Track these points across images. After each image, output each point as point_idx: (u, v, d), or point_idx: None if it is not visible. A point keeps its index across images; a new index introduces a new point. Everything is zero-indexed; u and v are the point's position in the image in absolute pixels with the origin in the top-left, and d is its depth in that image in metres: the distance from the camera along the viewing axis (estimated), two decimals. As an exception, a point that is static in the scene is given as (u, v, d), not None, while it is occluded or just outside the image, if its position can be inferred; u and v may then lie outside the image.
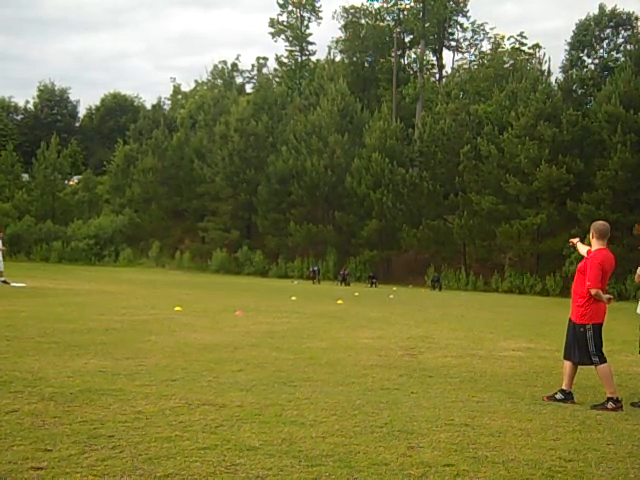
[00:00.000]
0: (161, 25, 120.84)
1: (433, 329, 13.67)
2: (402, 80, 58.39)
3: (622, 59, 47.02)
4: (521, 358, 9.72)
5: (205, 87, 70.38)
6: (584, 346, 6.55)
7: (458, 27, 61.87)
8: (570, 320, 6.81)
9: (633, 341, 12.02)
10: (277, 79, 65.12)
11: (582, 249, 7.07)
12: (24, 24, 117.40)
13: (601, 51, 50.58)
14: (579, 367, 6.94)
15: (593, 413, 6.22)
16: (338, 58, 62.39)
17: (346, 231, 44.88)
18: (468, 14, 60.61)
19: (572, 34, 50.87)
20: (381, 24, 62.07)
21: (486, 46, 64.25)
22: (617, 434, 5.41)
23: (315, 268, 39.83)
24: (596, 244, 6.64)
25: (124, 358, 7.82)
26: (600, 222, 6.85)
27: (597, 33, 49.86)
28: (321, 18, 64.58)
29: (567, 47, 50.96)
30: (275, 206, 46.39)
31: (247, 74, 72.22)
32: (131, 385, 6.27)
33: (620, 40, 50.31)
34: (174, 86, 77.80)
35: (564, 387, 6.82)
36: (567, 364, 6.83)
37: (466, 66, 63.59)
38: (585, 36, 49.89)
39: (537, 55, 56.36)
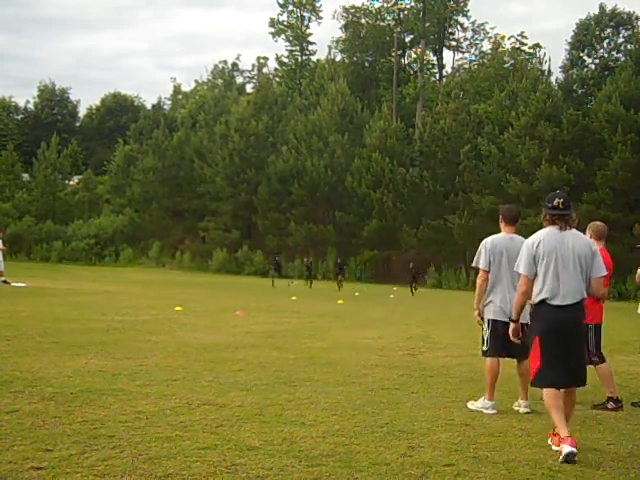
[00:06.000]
0: (163, 24, 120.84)
1: (433, 329, 13.67)
2: (402, 80, 58.40)
3: (622, 59, 47.01)
4: (521, 358, 9.71)
5: (205, 87, 70.39)
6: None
7: (458, 27, 61.91)
8: None
9: (633, 341, 12.05)
10: (277, 79, 65.11)
11: None
12: (25, 24, 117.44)
13: (601, 51, 50.52)
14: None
15: (593, 413, 6.22)
16: (338, 58, 62.42)
17: (346, 231, 44.89)
18: (468, 14, 60.67)
19: (572, 34, 50.84)
20: (381, 24, 62.06)
21: (486, 46, 64.29)
22: (617, 434, 5.41)
23: (277, 258, 35.47)
24: (595, 245, 6.66)
25: (124, 358, 7.82)
26: (597, 223, 6.82)
27: (597, 33, 49.78)
28: (321, 18, 64.67)
29: (567, 47, 50.96)
30: (275, 206, 46.39)
31: (247, 74, 72.34)
32: (131, 385, 6.27)
33: (620, 40, 50.26)
34: (174, 86, 77.94)
35: (564, 387, 6.84)
36: None
37: (466, 66, 63.62)
38: (585, 36, 49.83)
39: (537, 55, 56.41)
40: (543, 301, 4.82)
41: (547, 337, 4.79)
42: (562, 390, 4.85)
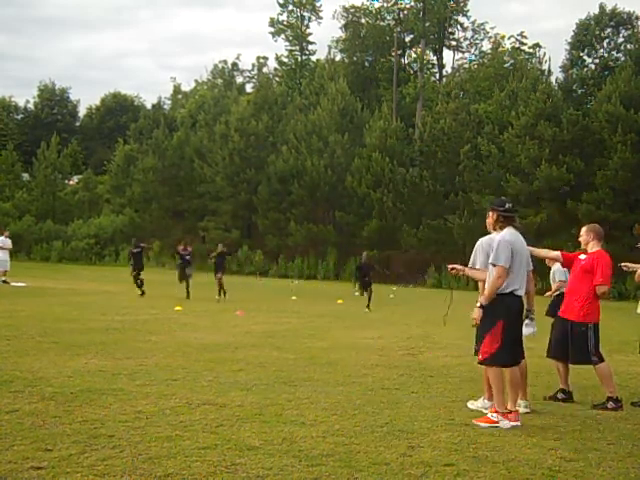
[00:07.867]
0: (163, 24, 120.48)
1: (433, 329, 13.67)
2: (402, 80, 58.34)
3: (622, 59, 46.96)
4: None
5: (205, 87, 70.34)
6: (583, 345, 6.53)
7: (458, 27, 61.82)
8: (562, 319, 6.80)
9: (633, 341, 12.03)
10: (277, 79, 65.05)
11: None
12: (25, 24, 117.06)
13: (601, 51, 50.45)
14: (580, 367, 6.94)
15: (593, 413, 6.23)
16: (338, 58, 62.26)
17: (346, 231, 44.85)
18: (468, 14, 60.62)
19: (572, 33, 50.80)
20: (381, 24, 61.97)
21: (486, 46, 64.20)
22: (617, 434, 5.41)
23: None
24: (596, 245, 6.76)
25: (124, 358, 7.82)
26: (596, 225, 7.02)
27: (597, 32, 49.73)
28: (321, 18, 64.44)
29: (567, 47, 50.90)
30: (275, 206, 46.34)
31: (247, 74, 72.27)
32: (131, 385, 6.28)
33: (620, 39, 50.21)
34: (174, 86, 77.76)
35: (562, 386, 6.84)
36: (559, 364, 6.87)
37: (466, 66, 63.55)
38: (585, 35, 49.78)
39: (537, 55, 56.37)
40: (512, 292, 5.57)
41: (510, 322, 5.55)
42: (509, 369, 5.59)
